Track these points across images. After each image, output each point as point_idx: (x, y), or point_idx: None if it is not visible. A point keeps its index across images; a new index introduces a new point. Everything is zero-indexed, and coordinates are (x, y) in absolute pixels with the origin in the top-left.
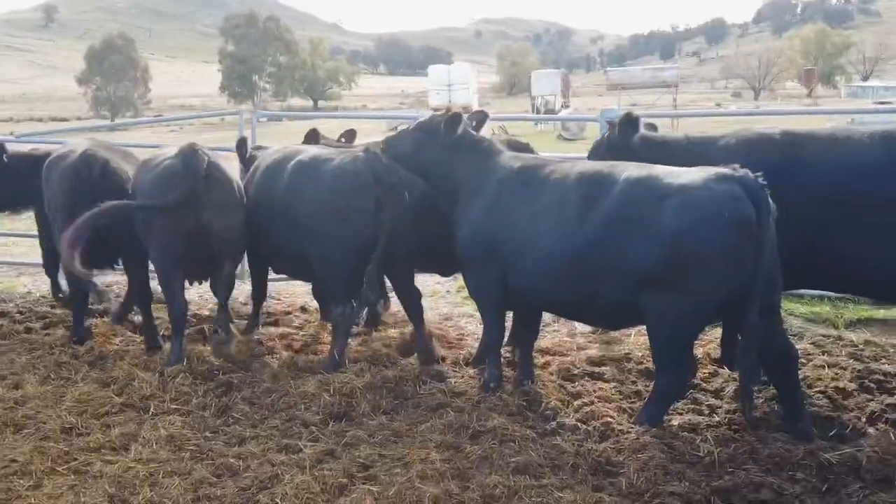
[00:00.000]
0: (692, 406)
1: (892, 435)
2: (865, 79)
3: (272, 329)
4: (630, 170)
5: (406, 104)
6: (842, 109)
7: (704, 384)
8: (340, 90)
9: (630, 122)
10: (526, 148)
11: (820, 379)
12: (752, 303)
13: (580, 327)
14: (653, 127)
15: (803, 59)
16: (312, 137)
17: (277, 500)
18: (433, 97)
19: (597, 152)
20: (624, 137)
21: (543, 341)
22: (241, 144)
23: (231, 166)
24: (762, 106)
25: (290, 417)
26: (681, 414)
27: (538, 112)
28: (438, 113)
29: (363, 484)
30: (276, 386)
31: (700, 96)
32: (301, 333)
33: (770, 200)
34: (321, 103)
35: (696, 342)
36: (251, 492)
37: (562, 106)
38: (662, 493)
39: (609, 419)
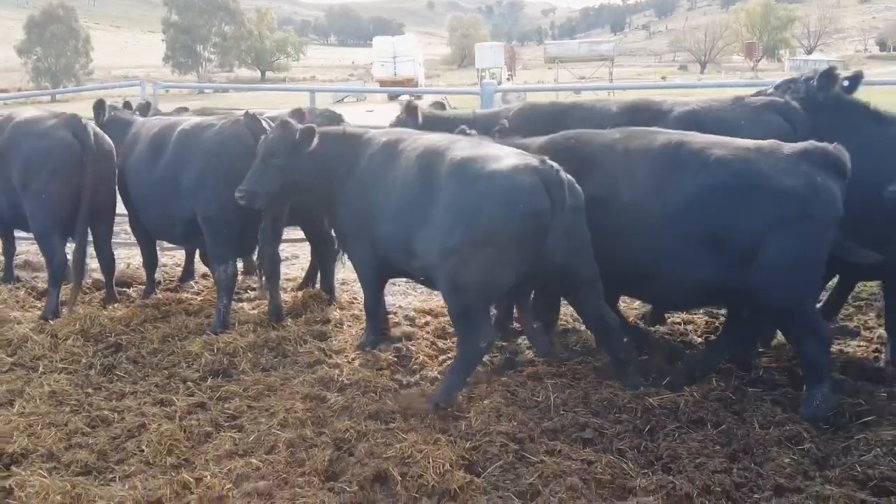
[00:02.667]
0: (541, 360)
1: (713, 381)
2: (809, 52)
3: (170, 294)
4: (458, 149)
5: (355, 76)
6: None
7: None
8: (289, 61)
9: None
10: (339, 119)
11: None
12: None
13: None
14: (440, 105)
15: (749, 32)
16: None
17: (143, 447)
18: (378, 69)
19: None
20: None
21: (428, 303)
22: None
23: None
24: (703, 80)
25: (170, 375)
26: (529, 366)
27: None
28: (273, 131)
29: (227, 432)
30: (163, 347)
31: (647, 69)
32: (199, 298)
33: (569, 191)
34: (269, 74)
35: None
36: (120, 440)
37: (507, 79)
38: (492, 432)
39: None
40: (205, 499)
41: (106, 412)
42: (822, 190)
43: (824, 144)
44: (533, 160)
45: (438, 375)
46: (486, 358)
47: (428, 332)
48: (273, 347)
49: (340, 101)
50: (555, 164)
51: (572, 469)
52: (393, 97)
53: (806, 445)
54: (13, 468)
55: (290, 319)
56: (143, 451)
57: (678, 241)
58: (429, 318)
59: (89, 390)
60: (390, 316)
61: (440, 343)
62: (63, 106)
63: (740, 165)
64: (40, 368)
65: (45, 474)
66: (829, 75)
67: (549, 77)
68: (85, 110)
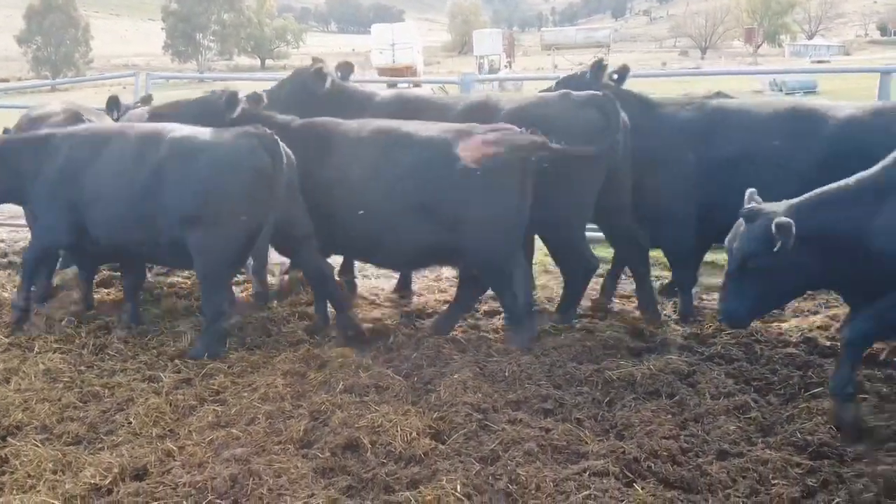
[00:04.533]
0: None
1: (673, 355)
2: (810, 37)
3: (161, 278)
4: (175, 130)
5: (355, 63)
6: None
7: None
8: (289, 49)
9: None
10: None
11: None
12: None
13: (445, 272)
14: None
15: (749, 17)
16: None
17: (131, 419)
18: (376, 57)
19: None
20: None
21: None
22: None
23: None
24: (702, 66)
25: (159, 354)
26: (487, 342)
27: (483, 72)
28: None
29: (211, 405)
30: (153, 328)
31: (648, 55)
32: (189, 282)
33: (285, 153)
34: (269, 62)
35: None
36: (109, 413)
37: (505, 65)
38: (458, 403)
39: (443, 349)
40: (186, 465)
41: (97, 388)
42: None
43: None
44: (252, 129)
45: (412, 353)
46: (459, 335)
47: (403, 314)
48: (258, 327)
49: None
50: (271, 132)
51: (530, 436)
52: (391, 85)
53: (752, 414)
54: (9, 439)
55: (275, 301)
56: (130, 423)
57: (398, 211)
58: (407, 299)
59: (82, 368)
60: (372, 297)
61: (419, 322)
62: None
63: (438, 145)
64: (36, 348)
65: (39, 444)
66: (599, 68)
67: (548, 63)
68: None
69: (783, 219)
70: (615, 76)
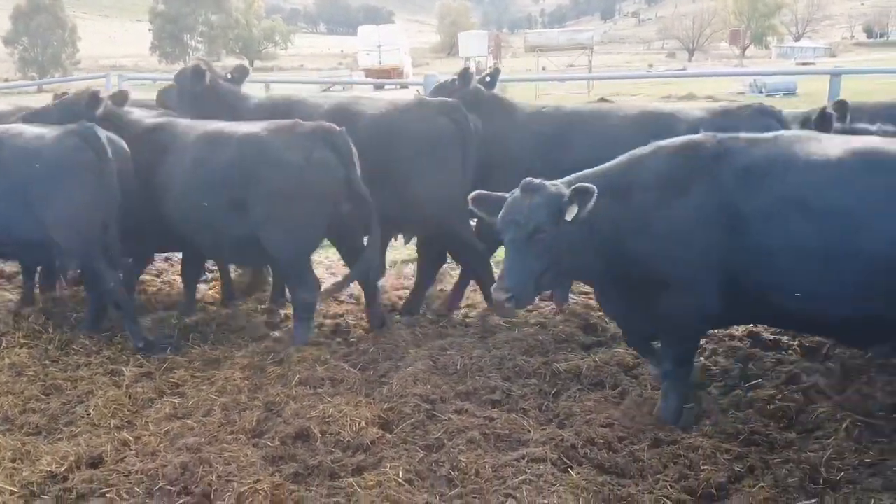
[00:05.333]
0: (460, 331)
1: (621, 348)
2: (797, 39)
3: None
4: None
5: (344, 64)
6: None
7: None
8: (277, 50)
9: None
10: None
11: None
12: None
13: (408, 270)
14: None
15: (737, 19)
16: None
17: (90, 411)
18: (363, 58)
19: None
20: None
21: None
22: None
23: None
24: (689, 68)
25: (123, 349)
26: (444, 337)
27: None
28: None
29: (169, 398)
30: (118, 324)
31: (636, 57)
32: (158, 280)
33: (108, 143)
34: (257, 63)
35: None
36: (70, 405)
37: (492, 67)
38: (408, 394)
39: (399, 344)
40: (140, 454)
41: (60, 381)
42: (318, 163)
43: (331, 125)
44: (76, 127)
45: (371, 347)
46: (414, 329)
47: (364, 311)
48: (221, 323)
49: (327, 90)
50: (94, 126)
51: (475, 425)
52: (379, 87)
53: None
54: None
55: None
56: (89, 414)
57: (212, 206)
58: None
59: (47, 363)
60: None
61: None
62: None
63: (251, 143)
64: (3, 343)
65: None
66: (465, 75)
67: (536, 65)
68: None
69: (584, 184)
70: (488, 79)
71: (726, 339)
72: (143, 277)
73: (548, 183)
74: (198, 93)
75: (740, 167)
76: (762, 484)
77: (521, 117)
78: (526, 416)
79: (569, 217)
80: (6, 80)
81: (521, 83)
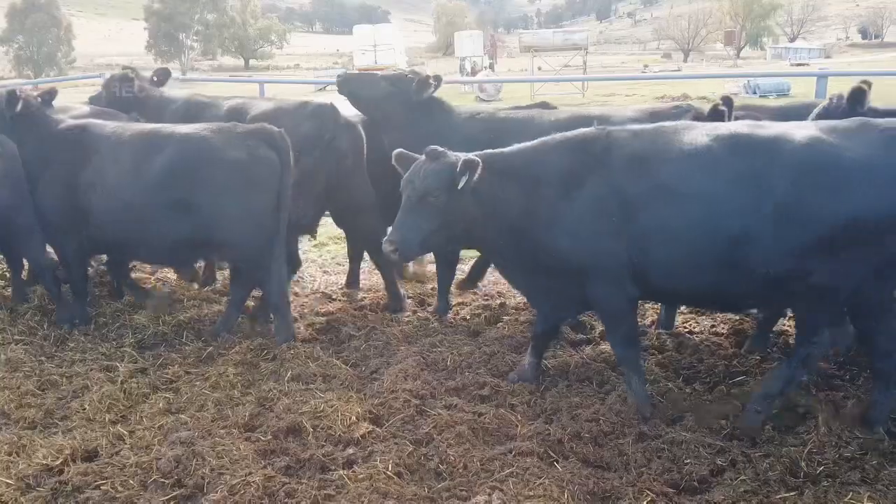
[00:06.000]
0: (450, 328)
1: (601, 345)
2: (792, 40)
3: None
4: None
5: (340, 63)
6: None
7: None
8: (273, 49)
9: None
10: None
11: None
12: None
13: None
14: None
15: (732, 20)
16: None
17: (85, 406)
18: (358, 57)
19: None
20: None
21: (368, 282)
22: None
23: None
24: (684, 68)
25: (119, 345)
26: (435, 334)
27: (465, 74)
28: None
29: (163, 393)
30: (113, 320)
31: (631, 57)
32: (152, 278)
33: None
34: (252, 62)
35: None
36: (66, 400)
37: (487, 67)
38: (399, 390)
39: (391, 341)
40: (135, 447)
41: (55, 377)
42: (263, 161)
43: (269, 126)
44: None
45: (363, 343)
46: (405, 327)
47: (356, 308)
48: (215, 320)
49: (322, 90)
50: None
51: (464, 420)
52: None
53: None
54: None
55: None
56: (85, 409)
57: (157, 206)
58: (363, 293)
59: (42, 358)
60: (329, 292)
61: (370, 316)
62: None
63: (192, 140)
64: None
65: None
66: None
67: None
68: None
69: (471, 156)
70: (433, 82)
71: (711, 336)
72: (138, 275)
73: (451, 153)
74: (126, 96)
75: (625, 157)
76: (743, 477)
77: (457, 121)
78: (514, 411)
79: (459, 186)
80: (1, 79)
81: (521, 83)
